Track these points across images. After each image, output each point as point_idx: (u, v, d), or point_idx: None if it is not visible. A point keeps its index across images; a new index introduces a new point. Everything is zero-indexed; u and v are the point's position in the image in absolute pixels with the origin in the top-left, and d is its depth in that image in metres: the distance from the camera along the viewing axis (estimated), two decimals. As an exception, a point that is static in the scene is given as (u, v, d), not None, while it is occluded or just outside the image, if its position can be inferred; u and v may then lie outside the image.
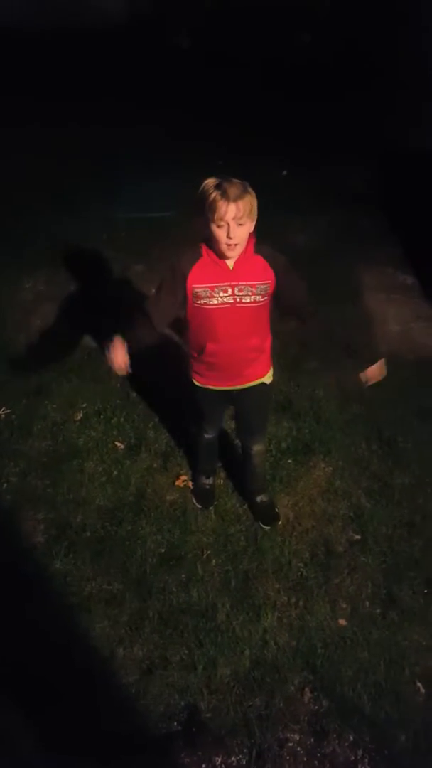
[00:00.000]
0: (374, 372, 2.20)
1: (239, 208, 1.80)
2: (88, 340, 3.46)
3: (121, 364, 2.06)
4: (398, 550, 2.48)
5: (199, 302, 1.97)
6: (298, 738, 1.98)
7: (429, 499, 2.68)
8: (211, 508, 2.64)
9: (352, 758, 1.93)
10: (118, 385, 3.19)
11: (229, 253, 1.90)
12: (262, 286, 1.98)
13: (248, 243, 1.94)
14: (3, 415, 3.06)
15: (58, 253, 4.27)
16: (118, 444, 2.92)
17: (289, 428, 3.00)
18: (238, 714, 2.03)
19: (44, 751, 1.91)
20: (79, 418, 3.05)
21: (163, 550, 2.49)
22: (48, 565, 2.43)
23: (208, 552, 2.48)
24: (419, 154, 5.20)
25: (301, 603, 2.31)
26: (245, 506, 2.65)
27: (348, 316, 3.75)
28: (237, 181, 1.82)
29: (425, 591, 2.35)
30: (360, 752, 1.95)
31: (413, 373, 3.28)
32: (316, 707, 2.05)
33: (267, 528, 2.55)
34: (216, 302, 1.97)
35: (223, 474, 2.79)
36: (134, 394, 3.17)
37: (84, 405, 3.10)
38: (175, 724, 2.02)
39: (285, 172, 5.47)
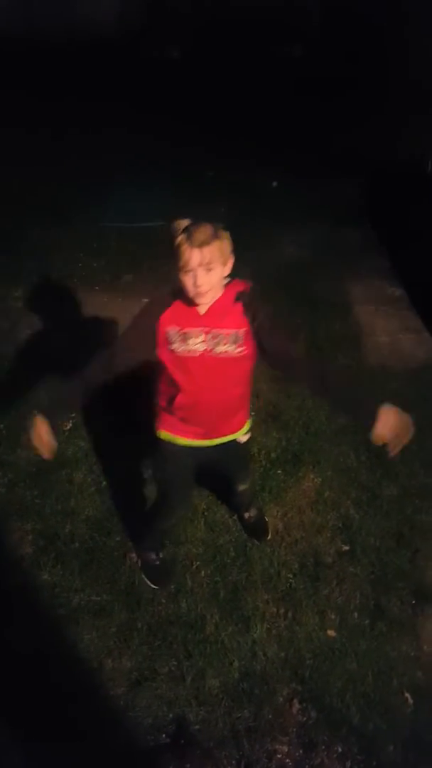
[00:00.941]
0: (390, 428, 1.66)
1: (204, 254, 1.67)
2: (77, 350, 3.46)
3: (47, 447, 1.80)
4: (386, 560, 2.50)
5: (171, 347, 1.83)
6: (286, 750, 1.98)
7: (417, 510, 2.71)
8: (202, 517, 2.64)
9: (341, 770, 1.94)
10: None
11: (198, 300, 1.76)
12: (233, 334, 1.80)
13: (229, 288, 1.80)
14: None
15: (47, 262, 4.27)
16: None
17: (278, 438, 3.02)
18: (227, 726, 2.02)
19: (29, 763, 1.89)
20: (68, 428, 3.04)
21: (152, 561, 2.48)
22: (36, 576, 2.42)
23: (197, 563, 2.47)
24: (406, 167, 5.30)
25: (290, 614, 2.31)
26: (234, 517, 2.65)
27: (336, 328, 3.79)
28: (207, 224, 1.69)
29: (413, 602, 2.36)
30: (348, 764, 1.94)
31: (402, 384, 3.31)
32: (305, 719, 2.05)
33: (258, 543, 2.55)
34: (187, 348, 1.82)
35: (210, 483, 2.79)
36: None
37: (73, 415, 3.10)
38: (164, 736, 2.00)
39: (275, 184, 5.53)
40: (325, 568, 2.47)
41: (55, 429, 1.83)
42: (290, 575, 2.44)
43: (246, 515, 2.60)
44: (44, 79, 7.14)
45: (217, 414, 2.01)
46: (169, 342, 1.83)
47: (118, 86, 7.12)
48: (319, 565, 2.47)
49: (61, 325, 3.71)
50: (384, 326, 3.86)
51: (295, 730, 2.02)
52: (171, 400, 1.95)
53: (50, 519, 2.63)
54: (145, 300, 1.90)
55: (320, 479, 2.82)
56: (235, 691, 2.10)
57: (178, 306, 1.82)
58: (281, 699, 2.09)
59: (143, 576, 2.42)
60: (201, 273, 1.70)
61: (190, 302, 1.78)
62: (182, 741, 1.98)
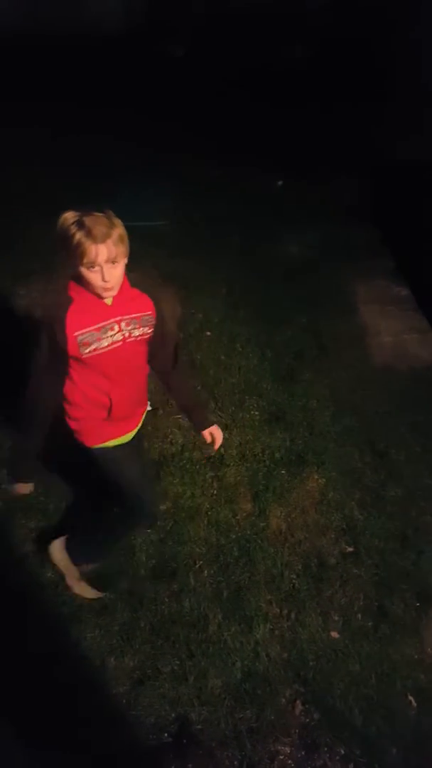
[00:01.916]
0: (217, 436, 2.15)
1: (110, 249, 1.61)
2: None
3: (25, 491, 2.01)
4: (390, 562, 2.49)
5: (87, 351, 1.74)
6: (288, 751, 1.98)
7: (421, 512, 2.70)
8: (205, 517, 2.63)
9: (343, 772, 1.93)
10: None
11: (106, 294, 1.72)
12: (146, 317, 1.83)
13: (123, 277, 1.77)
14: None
15: (51, 262, 4.26)
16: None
17: (282, 439, 3.01)
18: (229, 726, 2.02)
19: (31, 761, 1.89)
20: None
21: (155, 561, 2.48)
22: (39, 574, 2.41)
23: (200, 562, 2.47)
24: (410, 166, 5.27)
25: (293, 615, 2.31)
26: (237, 517, 2.65)
27: (341, 328, 3.78)
28: (99, 214, 1.62)
29: (417, 604, 2.36)
30: (351, 766, 1.94)
31: (406, 384, 3.31)
32: (307, 720, 2.04)
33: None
34: (107, 344, 1.76)
35: (216, 483, 2.78)
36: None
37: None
38: (166, 735, 2.00)
39: (280, 183, 5.51)
40: (329, 569, 2.46)
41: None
42: (293, 576, 2.43)
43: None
44: (48, 77, 7.13)
45: (137, 399, 2.01)
46: (83, 346, 1.73)
47: (122, 84, 7.10)
48: (322, 566, 2.47)
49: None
50: (389, 326, 3.84)
51: (297, 731, 2.02)
52: (96, 406, 1.88)
53: (54, 517, 2.62)
54: (45, 319, 1.78)
55: (324, 480, 2.81)
56: (238, 691, 2.10)
57: (80, 305, 1.73)
58: (284, 700, 2.09)
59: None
60: (108, 268, 1.64)
61: (90, 297, 1.73)
62: (184, 740, 1.98)
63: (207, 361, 3.46)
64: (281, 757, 1.96)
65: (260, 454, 2.91)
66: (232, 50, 7.89)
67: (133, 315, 1.81)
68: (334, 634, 2.26)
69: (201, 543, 2.54)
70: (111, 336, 1.77)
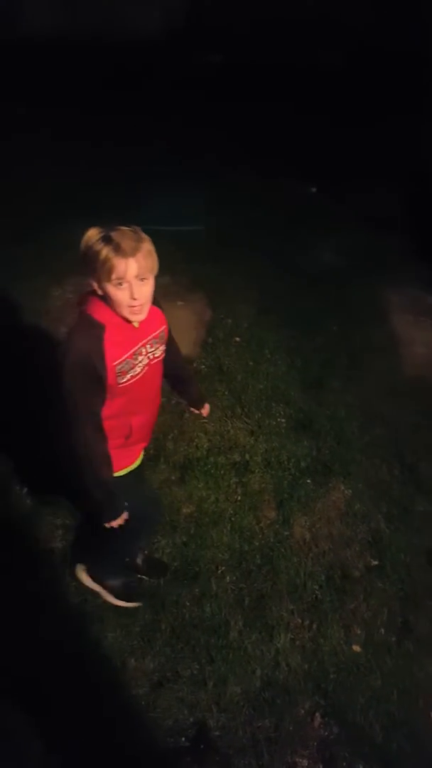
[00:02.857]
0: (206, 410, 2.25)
1: (140, 263, 1.52)
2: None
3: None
4: (416, 578, 2.45)
5: (123, 380, 1.65)
6: (306, 763, 1.95)
7: (449, 528, 2.65)
8: (228, 522, 2.62)
9: (362, 788, 1.91)
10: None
11: (134, 317, 1.60)
12: (162, 333, 1.76)
13: None
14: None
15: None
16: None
17: (309, 447, 2.99)
18: (247, 734, 2.01)
19: (49, 760, 1.91)
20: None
21: (177, 563, 2.49)
22: (63, 571, 2.43)
23: (223, 568, 2.47)
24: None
25: (314, 626, 2.29)
26: (261, 524, 2.64)
27: (373, 336, 3.75)
28: (126, 228, 1.54)
29: (442, 621, 2.32)
30: (369, 782, 1.92)
31: (437, 397, 3.26)
32: (326, 733, 2.02)
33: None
34: (139, 370, 1.68)
35: (240, 490, 2.77)
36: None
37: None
38: (183, 739, 2.00)
39: (314, 189, 5.50)
40: (353, 581, 2.43)
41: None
42: (316, 587, 2.41)
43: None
44: (86, 80, 7.25)
45: (154, 421, 1.94)
46: (120, 375, 1.64)
47: (160, 89, 7.18)
48: (346, 578, 2.44)
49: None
50: (422, 337, 3.79)
51: (315, 743, 1.99)
52: (115, 434, 1.76)
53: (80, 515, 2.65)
54: (78, 354, 1.59)
55: (351, 491, 2.79)
56: (257, 699, 2.09)
57: (113, 332, 1.60)
58: (303, 711, 2.06)
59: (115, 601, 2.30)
60: (137, 285, 1.54)
61: (120, 321, 1.62)
62: (202, 746, 1.98)
63: (235, 367, 3.46)
64: (299, 769, 1.94)
65: (286, 462, 2.89)
66: (271, 58, 7.92)
67: (154, 333, 1.73)
68: (356, 648, 2.23)
69: (224, 548, 2.54)
70: (141, 361, 1.69)
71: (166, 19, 8.96)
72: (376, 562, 2.51)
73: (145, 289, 1.57)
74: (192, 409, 2.25)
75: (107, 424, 1.72)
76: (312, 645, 2.23)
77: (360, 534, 2.61)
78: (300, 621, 2.30)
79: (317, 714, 2.06)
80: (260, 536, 2.60)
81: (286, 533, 2.60)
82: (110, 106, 6.70)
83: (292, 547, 2.55)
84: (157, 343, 1.74)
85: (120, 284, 1.53)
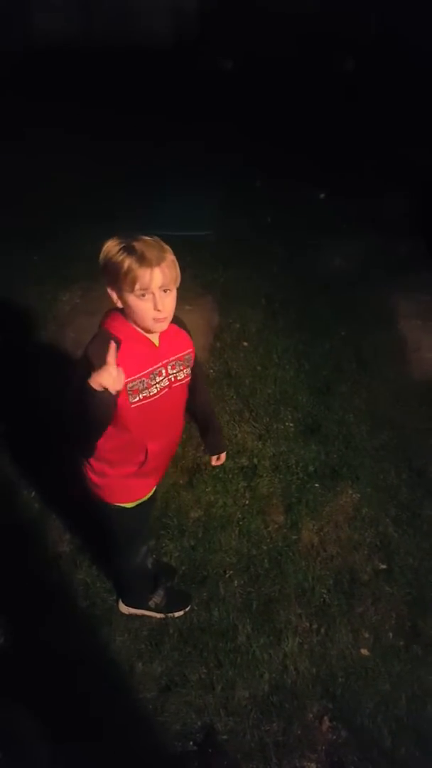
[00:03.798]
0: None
1: (165, 273, 1.48)
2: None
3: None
4: (425, 582, 2.44)
5: (136, 399, 1.57)
6: (314, 767, 1.95)
7: (458, 532, 2.64)
8: (236, 526, 2.63)
9: (370, 793, 1.90)
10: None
11: (157, 328, 1.55)
12: (187, 357, 1.68)
13: None
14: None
15: (93, 267, 4.35)
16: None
17: (317, 451, 2.99)
18: (255, 738, 2.01)
19: (55, 763, 1.92)
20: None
21: (185, 567, 2.49)
22: (72, 575, 2.45)
23: (231, 572, 2.47)
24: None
25: (323, 630, 2.28)
26: (269, 528, 2.64)
27: (381, 342, 3.74)
28: (148, 238, 1.51)
29: (451, 626, 2.30)
30: (378, 788, 1.90)
31: (446, 403, 3.24)
32: (335, 737, 2.01)
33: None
34: (156, 391, 1.60)
35: (248, 494, 2.78)
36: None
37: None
38: (191, 743, 2.00)
39: (322, 196, 5.51)
40: (361, 585, 2.43)
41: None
42: (324, 591, 2.41)
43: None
44: (98, 86, 7.33)
45: (172, 451, 1.86)
46: (132, 394, 1.56)
47: (172, 96, 7.24)
48: (354, 583, 2.43)
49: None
50: (430, 342, 3.78)
51: (324, 748, 1.98)
52: (127, 460, 1.71)
53: (87, 518, 2.66)
54: (89, 366, 1.47)
55: (359, 495, 2.78)
56: (265, 703, 2.08)
57: (128, 348, 1.54)
58: (311, 715, 2.06)
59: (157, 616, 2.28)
60: (161, 296, 1.49)
61: (140, 337, 1.58)
62: (209, 750, 1.98)
63: (243, 371, 3.47)
64: (307, 774, 1.93)
65: (294, 466, 2.90)
66: (281, 63, 7.96)
67: (178, 355, 1.65)
68: (365, 652, 2.23)
69: (232, 552, 2.54)
70: (159, 382, 1.61)
71: (178, 26, 9.05)
72: (384, 566, 2.50)
73: (168, 301, 1.53)
74: (207, 453, 2.19)
75: (120, 448, 1.68)
76: (320, 649, 2.23)
77: (368, 538, 2.61)
78: (308, 625, 2.30)
79: (325, 718, 2.05)
80: (268, 540, 2.60)
81: (294, 537, 2.60)
82: (119, 107, 6.77)
83: (300, 551, 2.55)
84: (181, 365, 1.68)
85: (143, 295, 1.49)
